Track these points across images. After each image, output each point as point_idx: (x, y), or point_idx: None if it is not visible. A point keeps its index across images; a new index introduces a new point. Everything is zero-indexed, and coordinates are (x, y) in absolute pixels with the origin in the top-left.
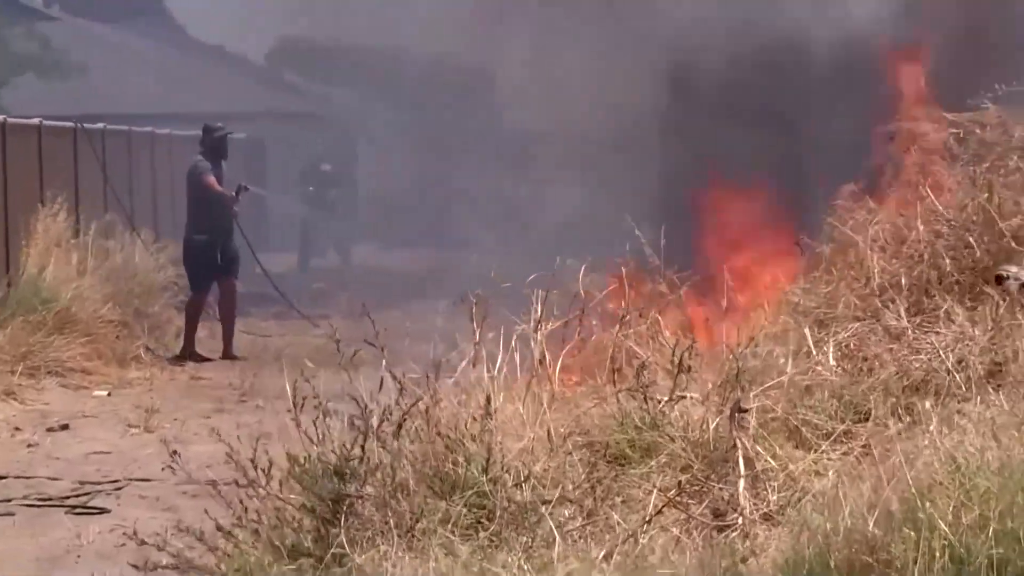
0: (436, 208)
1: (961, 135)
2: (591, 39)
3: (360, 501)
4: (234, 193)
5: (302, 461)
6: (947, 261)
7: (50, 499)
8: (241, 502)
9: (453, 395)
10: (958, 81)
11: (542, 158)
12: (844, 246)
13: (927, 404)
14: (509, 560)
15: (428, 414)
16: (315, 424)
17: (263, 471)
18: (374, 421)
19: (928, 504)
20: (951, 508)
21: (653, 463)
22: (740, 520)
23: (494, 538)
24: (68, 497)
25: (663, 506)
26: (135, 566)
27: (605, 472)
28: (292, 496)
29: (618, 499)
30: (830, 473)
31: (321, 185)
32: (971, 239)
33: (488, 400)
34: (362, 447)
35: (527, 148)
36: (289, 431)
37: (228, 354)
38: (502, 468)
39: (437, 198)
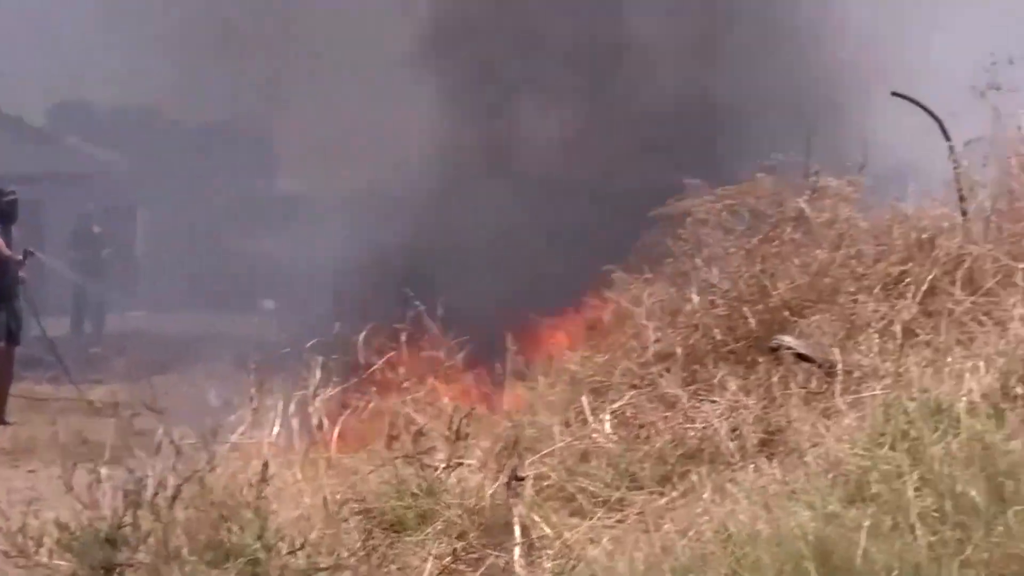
0: (213, 271)
1: (735, 207)
2: (371, 100)
3: (131, 569)
4: (20, 257)
5: (72, 528)
6: (721, 331)
7: None
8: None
9: (229, 461)
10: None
11: (317, 220)
12: (622, 316)
13: (701, 472)
14: None
15: (203, 481)
16: (88, 490)
17: (32, 539)
18: (149, 487)
19: (700, 574)
20: None
21: (429, 530)
22: None
23: None
24: None
25: (439, 574)
26: None
27: (381, 539)
28: (62, 564)
29: (394, 566)
30: (604, 541)
31: (92, 247)
32: (745, 309)
33: (264, 466)
34: (134, 514)
35: (301, 209)
36: (63, 497)
37: (1, 419)
38: (277, 535)
39: (215, 261)
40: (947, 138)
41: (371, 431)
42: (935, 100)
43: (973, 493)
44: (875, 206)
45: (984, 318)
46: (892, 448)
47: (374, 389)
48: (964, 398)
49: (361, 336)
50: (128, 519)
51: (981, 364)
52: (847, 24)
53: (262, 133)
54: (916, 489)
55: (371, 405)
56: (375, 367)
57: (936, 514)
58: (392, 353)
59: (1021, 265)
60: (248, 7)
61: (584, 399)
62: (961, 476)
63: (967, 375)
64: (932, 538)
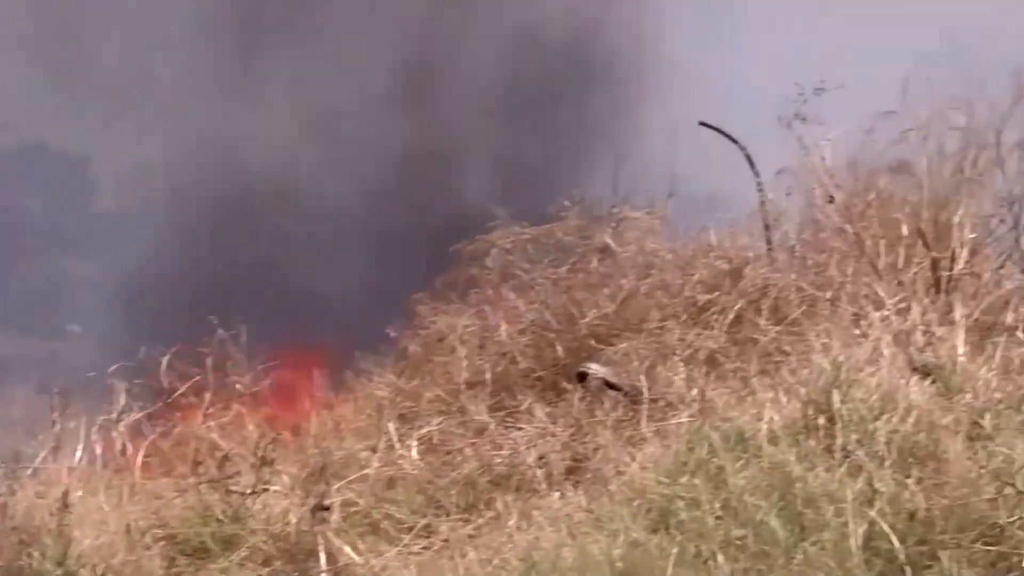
0: (25, 294)
1: (543, 239)
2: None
3: None
4: None
5: None
6: (529, 359)
7: None
8: None
9: (31, 486)
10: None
11: (124, 241)
12: (431, 344)
13: (508, 499)
14: None
15: (4, 506)
16: None
17: None
18: None
19: None
20: None
21: (234, 557)
22: None
23: None
24: None
25: None
26: None
27: (185, 566)
28: None
29: None
30: (411, 567)
31: None
32: (552, 337)
33: (66, 492)
34: None
35: (110, 230)
36: None
37: None
38: (78, 562)
39: (27, 283)
40: (753, 168)
41: (176, 456)
42: (743, 130)
43: (774, 522)
44: (682, 236)
45: (788, 348)
46: (695, 476)
47: (179, 414)
48: (766, 427)
49: (164, 360)
50: None
51: (784, 394)
52: (659, 55)
53: (74, 153)
54: (718, 518)
55: (176, 430)
56: (179, 392)
57: (738, 542)
58: (197, 378)
59: (826, 295)
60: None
61: (391, 425)
62: (762, 505)
63: (769, 405)
64: (734, 566)
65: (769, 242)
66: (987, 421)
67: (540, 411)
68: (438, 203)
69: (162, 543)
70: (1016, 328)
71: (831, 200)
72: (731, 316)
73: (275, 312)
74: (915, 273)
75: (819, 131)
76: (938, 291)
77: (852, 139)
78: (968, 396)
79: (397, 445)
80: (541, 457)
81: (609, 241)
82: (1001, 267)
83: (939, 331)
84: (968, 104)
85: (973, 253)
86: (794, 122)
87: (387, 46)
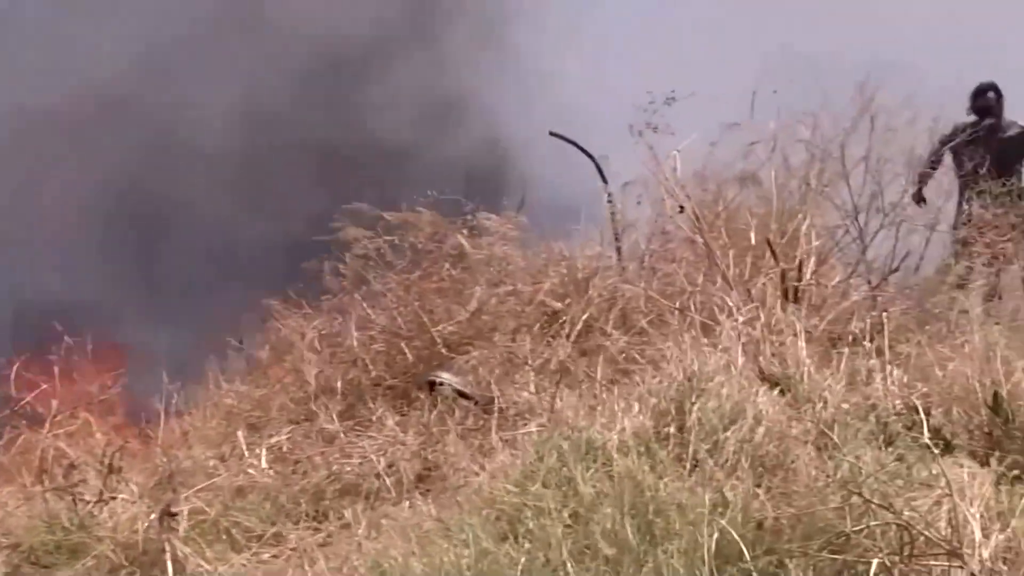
0: None
1: (396, 242)
2: None
3: None
4: None
5: None
6: (380, 366)
7: None
8: None
9: None
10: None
11: None
12: (280, 350)
13: (357, 508)
14: None
15: None
16: None
17: None
18: None
19: None
20: None
21: (79, 565)
22: None
23: None
24: None
25: None
26: None
27: (29, 575)
28: None
29: None
30: (259, 575)
31: None
32: (403, 345)
33: None
34: None
35: None
36: None
37: None
38: None
39: None
40: (603, 178)
41: (21, 465)
42: (597, 140)
43: (624, 531)
44: (535, 244)
45: (638, 357)
46: (545, 485)
47: (24, 422)
48: (616, 437)
49: (14, 369)
50: None
51: (634, 403)
52: (514, 63)
53: None
54: (568, 526)
55: (21, 438)
56: (25, 400)
57: (588, 551)
58: (44, 386)
59: (675, 305)
60: None
61: (240, 433)
62: (613, 514)
63: (620, 414)
64: (585, 574)
65: (619, 252)
66: (834, 431)
67: (390, 419)
68: (293, 206)
69: (6, 551)
70: (862, 339)
71: (681, 210)
72: (580, 325)
73: (124, 317)
74: (764, 284)
75: (671, 141)
76: (786, 302)
77: (702, 150)
78: (816, 406)
79: (246, 453)
80: (391, 465)
81: (464, 243)
82: (848, 278)
83: (787, 341)
84: (813, 117)
85: (820, 264)
86: (646, 131)
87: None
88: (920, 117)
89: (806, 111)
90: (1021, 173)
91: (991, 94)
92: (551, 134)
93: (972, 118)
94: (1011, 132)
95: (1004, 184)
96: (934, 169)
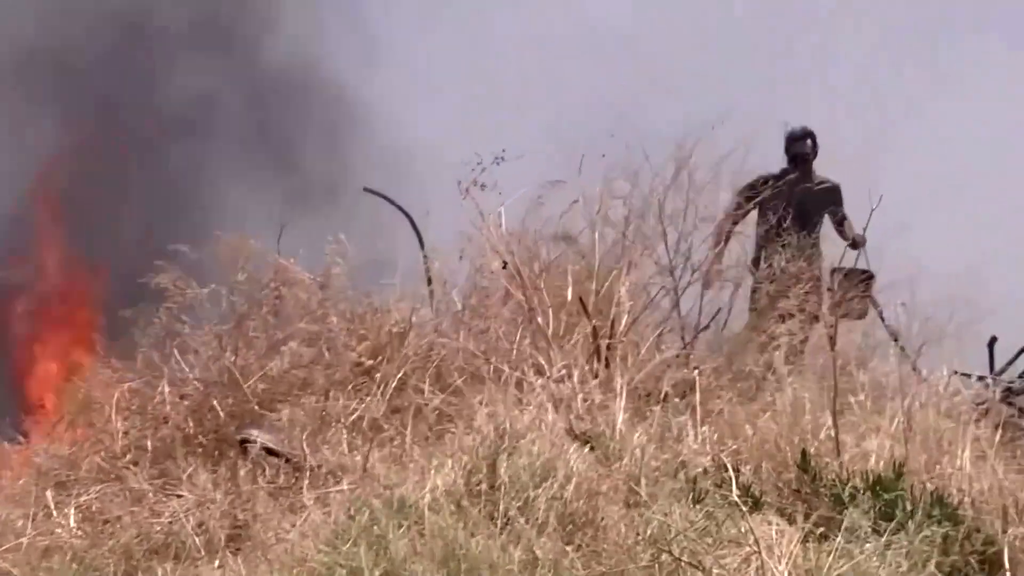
0: None
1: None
2: None
3: None
4: None
5: None
6: (192, 423)
7: None
8: None
9: None
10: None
11: None
12: (89, 407)
13: (167, 567)
14: None
15: None
16: None
17: None
18: None
19: None
20: None
21: None
22: None
23: None
24: None
25: None
26: None
27: None
28: None
29: None
30: None
31: None
32: (215, 402)
33: None
34: None
35: None
36: None
37: None
38: None
39: None
40: (418, 234)
41: None
42: (427, 196)
43: None
44: (350, 300)
45: (452, 414)
46: (356, 544)
47: None
48: (428, 494)
49: None
50: None
51: (447, 460)
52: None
53: None
54: None
55: None
56: None
57: None
58: None
59: (490, 361)
60: None
61: (49, 493)
62: (424, 572)
63: (432, 471)
64: None
65: (434, 308)
66: (644, 488)
67: (201, 477)
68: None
69: None
70: (673, 396)
71: (504, 266)
72: (394, 382)
73: None
74: (577, 341)
75: (498, 199)
76: (599, 359)
77: (525, 208)
78: (626, 463)
79: (54, 513)
80: (201, 524)
81: (281, 296)
82: (660, 335)
83: (599, 399)
84: (633, 175)
85: (634, 322)
86: (473, 189)
87: None
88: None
89: (626, 168)
90: (818, 227)
91: (808, 141)
92: (365, 190)
93: (777, 170)
94: (819, 185)
95: (808, 237)
96: (735, 224)
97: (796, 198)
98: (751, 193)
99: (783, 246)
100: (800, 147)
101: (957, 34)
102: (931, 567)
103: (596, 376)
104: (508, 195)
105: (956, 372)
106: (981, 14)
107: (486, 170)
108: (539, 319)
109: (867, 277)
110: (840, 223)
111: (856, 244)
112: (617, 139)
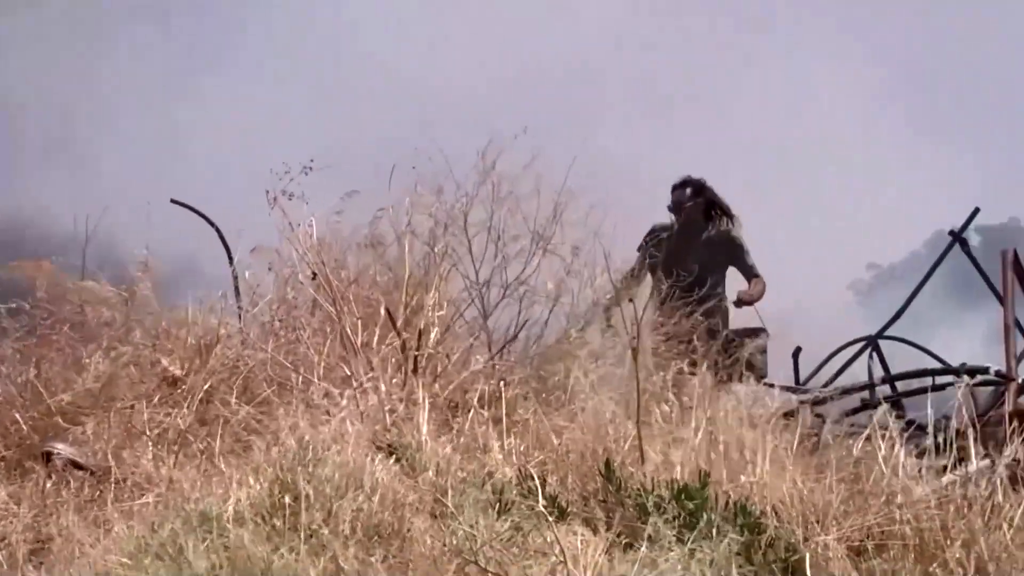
0: None
1: (13, 306)
2: None
3: None
4: None
5: None
6: None
7: None
8: None
9: None
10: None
11: None
12: None
13: None
14: None
15: None
16: None
17: None
18: None
19: None
20: None
21: None
22: None
23: None
24: None
25: None
26: None
27: None
28: None
29: None
30: None
31: None
32: (17, 415)
33: None
34: None
35: None
36: None
37: None
38: None
39: None
40: (225, 245)
41: None
42: (227, 206)
43: None
44: (156, 312)
45: (259, 426)
46: (159, 558)
47: None
48: (232, 508)
49: None
50: None
51: (251, 473)
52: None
53: None
54: None
55: None
56: None
57: None
58: None
59: (298, 373)
60: None
61: None
62: None
63: (236, 485)
64: None
65: (241, 319)
66: (450, 499)
67: (3, 491)
68: None
69: None
70: (481, 407)
71: (314, 276)
72: (201, 394)
73: None
74: (385, 353)
75: (307, 209)
76: (407, 371)
77: (333, 218)
78: (431, 474)
79: None
80: (3, 539)
81: (85, 307)
82: (470, 348)
83: (406, 410)
84: (438, 188)
85: (442, 333)
86: (281, 199)
87: None
88: (543, 185)
89: (432, 180)
90: (708, 282)
91: (687, 190)
92: (172, 201)
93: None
94: (712, 234)
95: (698, 291)
96: (638, 281)
97: (680, 251)
98: (644, 242)
99: (661, 303)
100: (678, 196)
101: None
102: (734, 575)
103: (404, 387)
104: (320, 206)
105: (762, 382)
106: None
107: (294, 179)
108: (347, 329)
109: (752, 333)
110: (748, 278)
111: (740, 302)
112: (425, 152)
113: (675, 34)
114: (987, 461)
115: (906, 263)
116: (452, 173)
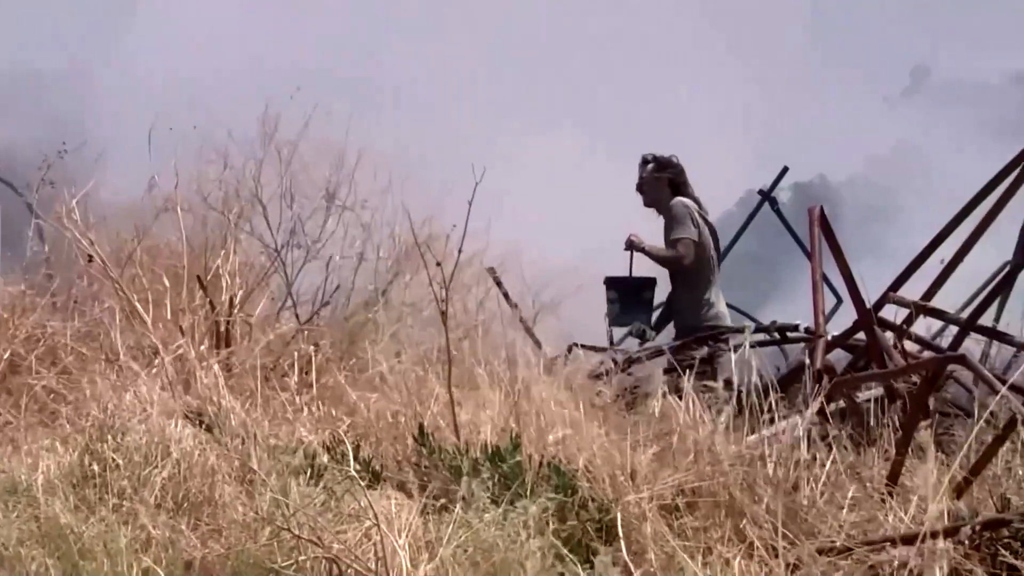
0: None
1: None
2: None
3: None
4: None
5: None
6: None
7: None
8: None
9: None
10: None
11: None
12: None
13: None
14: None
15: None
16: None
17: None
18: None
19: None
20: None
21: None
22: None
23: None
24: None
25: None
26: None
27: None
28: None
29: None
30: None
31: None
32: None
33: None
34: None
35: None
36: None
37: None
38: None
39: None
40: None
41: None
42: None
43: (50, 574)
44: None
45: (67, 396)
46: None
47: None
48: (42, 477)
49: None
50: None
51: (59, 443)
52: None
53: None
54: None
55: None
56: None
57: None
58: None
59: (101, 342)
60: None
61: None
62: (37, 556)
63: (45, 454)
64: None
65: (48, 290)
66: (260, 465)
67: None
68: None
69: None
70: (290, 373)
71: (90, 260)
72: (3, 364)
73: None
74: (192, 321)
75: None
76: (215, 338)
77: (116, 194)
78: (240, 440)
79: None
80: None
81: None
82: (277, 313)
83: (214, 377)
84: (224, 154)
85: (247, 300)
86: (42, 186)
87: None
88: (322, 149)
89: (217, 147)
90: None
91: (649, 166)
92: None
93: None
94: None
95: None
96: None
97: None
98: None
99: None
100: (639, 172)
101: None
102: (548, 535)
103: (214, 353)
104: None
105: (576, 344)
106: None
107: (52, 167)
108: (136, 304)
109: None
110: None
111: (629, 243)
112: (205, 122)
113: None
114: (796, 419)
115: (720, 223)
116: (234, 140)
